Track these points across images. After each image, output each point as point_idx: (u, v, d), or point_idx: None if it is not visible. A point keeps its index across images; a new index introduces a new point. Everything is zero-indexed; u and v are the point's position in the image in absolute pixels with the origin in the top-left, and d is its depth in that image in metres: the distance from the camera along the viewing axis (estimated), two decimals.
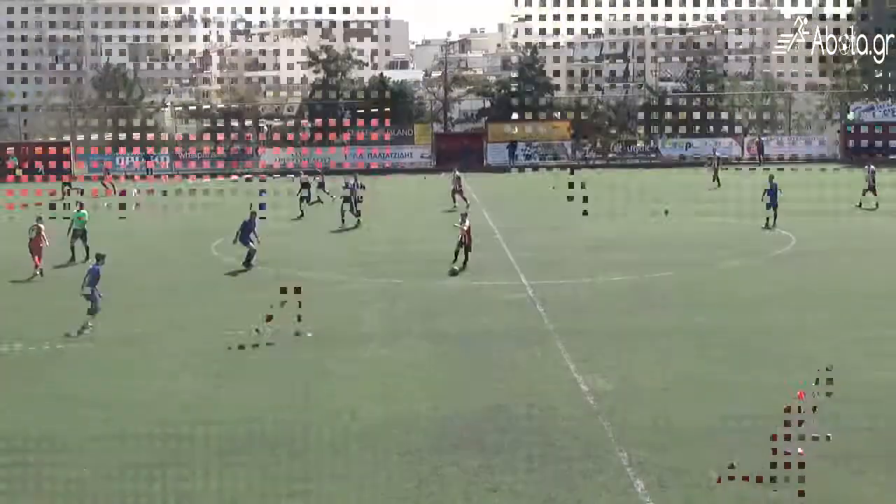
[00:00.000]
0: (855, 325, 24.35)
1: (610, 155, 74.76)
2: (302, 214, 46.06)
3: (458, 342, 23.43)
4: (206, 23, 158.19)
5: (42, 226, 33.09)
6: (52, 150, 68.26)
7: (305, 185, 47.93)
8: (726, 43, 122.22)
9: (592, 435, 16.98)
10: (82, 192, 51.29)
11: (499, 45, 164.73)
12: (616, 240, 38.04)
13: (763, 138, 74.20)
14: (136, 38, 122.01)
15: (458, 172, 49.72)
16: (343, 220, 42.61)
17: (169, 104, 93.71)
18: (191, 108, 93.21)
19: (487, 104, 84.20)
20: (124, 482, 15.40)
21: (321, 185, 51.14)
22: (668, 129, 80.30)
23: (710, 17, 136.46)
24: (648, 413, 18.05)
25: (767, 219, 39.83)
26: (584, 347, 22.61)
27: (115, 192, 55.41)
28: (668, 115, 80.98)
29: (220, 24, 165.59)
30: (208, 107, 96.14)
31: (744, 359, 21.58)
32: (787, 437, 15.81)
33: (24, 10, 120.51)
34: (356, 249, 36.85)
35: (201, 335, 24.78)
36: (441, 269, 31.36)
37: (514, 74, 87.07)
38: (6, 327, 25.78)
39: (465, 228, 32.05)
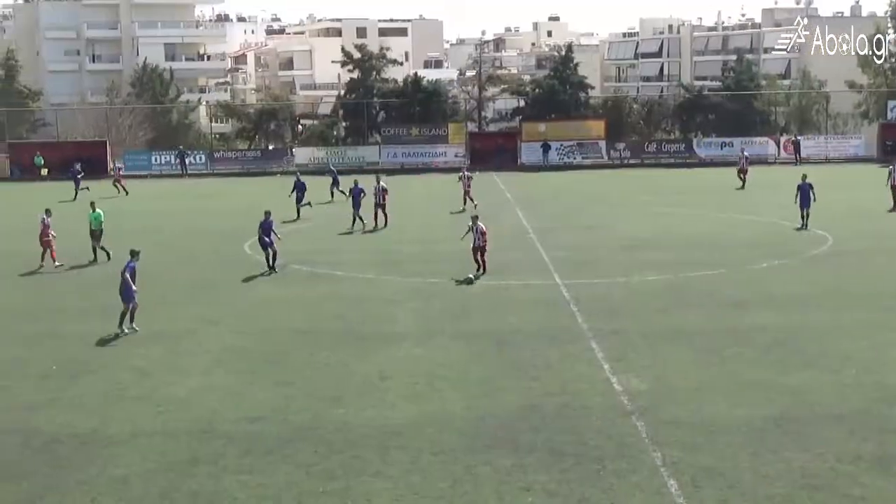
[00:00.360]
0: (892, 326, 24.15)
1: (644, 154, 74.33)
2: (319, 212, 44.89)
3: (491, 341, 23.39)
4: (241, 22, 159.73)
5: (47, 218, 33.91)
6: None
7: (300, 188, 46.02)
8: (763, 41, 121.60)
9: (626, 434, 16.95)
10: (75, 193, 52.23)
11: (533, 44, 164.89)
12: (651, 239, 37.93)
13: (799, 137, 73.60)
14: (173, 37, 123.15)
15: (468, 172, 49.37)
16: (363, 222, 41.33)
17: (204, 103, 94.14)
18: (226, 106, 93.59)
19: (522, 103, 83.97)
20: (164, 478, 15.55)
21: (335, 183, 51.21)
22: (704, 128, 80.00)
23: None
24: (682, 413, 18.02)
25: (802, 219, 39.47)
26: (618, 347, 22.56)
27: (126, 192, 56.03)
28: (704, 114, 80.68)
29: (255, 24, 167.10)
30: (243, 105, 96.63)
31: (780, 358, 21.46)
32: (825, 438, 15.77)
33: (64, 10, 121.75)
34: (385, 249, 36.84)
35: (234, 331, 24.93)
36: (472, 269, 31.22)
37: (549, 73, 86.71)
38: (40, 327, 26.08)
39: (482, 231, 30.81)
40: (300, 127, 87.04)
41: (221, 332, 24.88)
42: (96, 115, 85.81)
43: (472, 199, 46.98)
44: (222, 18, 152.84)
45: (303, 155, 74.03)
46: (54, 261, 33.55)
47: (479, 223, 30.97)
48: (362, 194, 41.74)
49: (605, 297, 27.93)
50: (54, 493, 15.08)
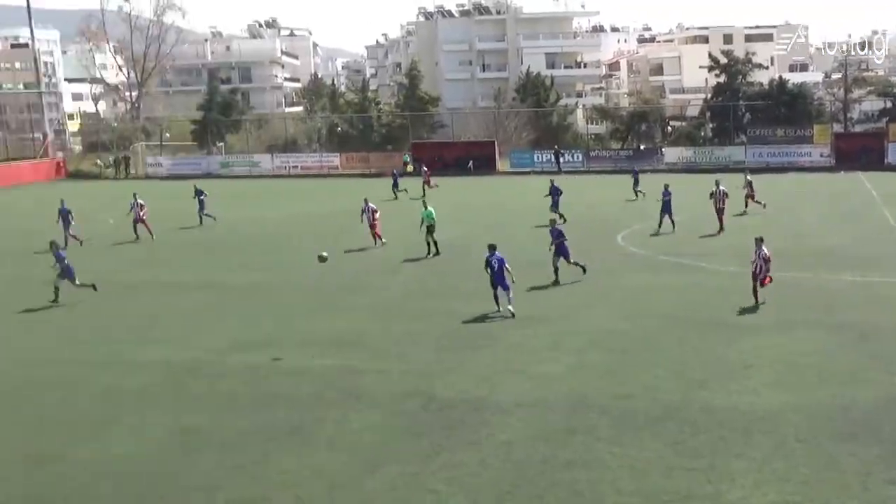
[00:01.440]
0: None
1: None
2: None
3: (853, 334, 22.05)
4: (614, 32, 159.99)
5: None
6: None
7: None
8: None
9: None
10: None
11: None
12: None
13: None
14: (553, 47, 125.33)
15: (749, 177, 45.69)
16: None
17: (581, 106, 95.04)
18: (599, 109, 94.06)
19: (889, 104, 78.85)
20: (544, 445, 15.81)
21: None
22: None
23: None
24: None
25: None
26: None
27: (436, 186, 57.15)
28: None
29: (628, 34, 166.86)
30: (616, 108, 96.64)
31: None
32: None
33: (459, 26, 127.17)
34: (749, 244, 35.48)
35: (608, 315, 24.95)
36: (837, 264, 29.49)
37: None
38: (432, 305, 27.20)
39: (766, 257, 25.33)
40: (669, 128, 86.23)
41: (596, 315, 24.98)
42: (486, 118, 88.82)
43: (746, 204, 43.43)
44: (597, 29, 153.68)
45: (672, 154, 73.32)
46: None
47: (762, 247, 25.50)
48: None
49: None
50: (447, 452, 15.69)
